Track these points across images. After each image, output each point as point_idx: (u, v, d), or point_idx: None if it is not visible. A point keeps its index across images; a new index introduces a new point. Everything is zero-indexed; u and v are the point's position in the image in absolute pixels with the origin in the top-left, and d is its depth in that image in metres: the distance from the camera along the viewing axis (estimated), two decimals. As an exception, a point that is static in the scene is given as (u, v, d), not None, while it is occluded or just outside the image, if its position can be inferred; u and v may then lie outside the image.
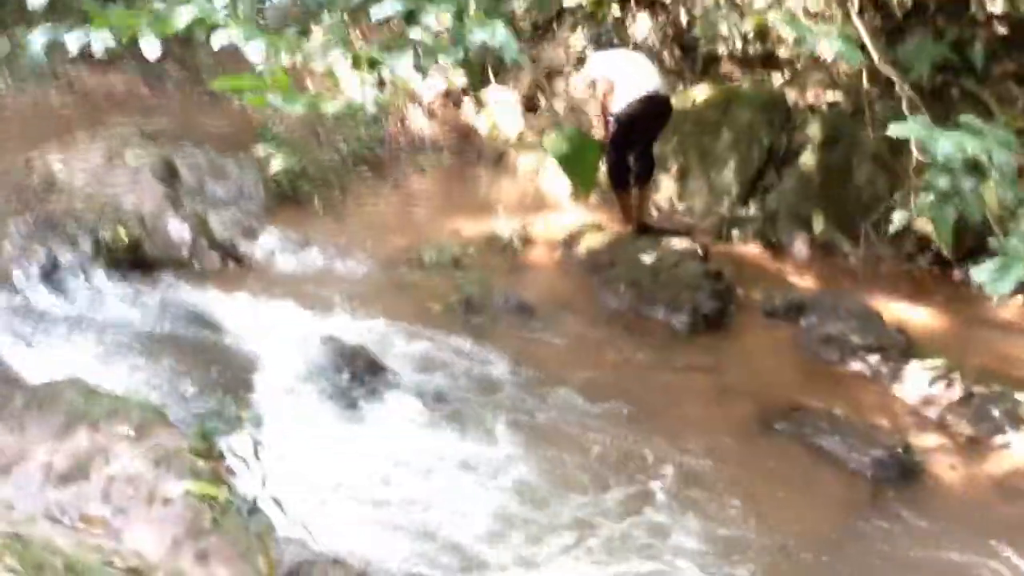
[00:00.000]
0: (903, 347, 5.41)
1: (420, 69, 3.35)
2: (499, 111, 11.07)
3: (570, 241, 7.45)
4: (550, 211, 8.82)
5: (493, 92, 11.25)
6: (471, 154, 10.71)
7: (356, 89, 3.20)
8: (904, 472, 4.33)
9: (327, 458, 4.14)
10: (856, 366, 5.36)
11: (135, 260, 6.34)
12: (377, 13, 3.56)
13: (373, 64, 3.50)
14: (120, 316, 5.48)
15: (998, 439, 4.64)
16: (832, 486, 4.27)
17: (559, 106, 10.74)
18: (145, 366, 4.74)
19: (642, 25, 10.61)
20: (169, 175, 7.99)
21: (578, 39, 11.02)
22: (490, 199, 9.50)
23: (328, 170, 9.33)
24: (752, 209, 8.04)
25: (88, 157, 8.00)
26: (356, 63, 3.48)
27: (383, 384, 5.02)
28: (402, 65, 3.29)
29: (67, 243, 6.21)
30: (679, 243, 6.82)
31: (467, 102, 11.42)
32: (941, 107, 7.62)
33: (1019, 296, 6.57)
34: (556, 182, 9.59)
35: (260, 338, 5.32)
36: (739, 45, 9.25)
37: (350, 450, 4.24)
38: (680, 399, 5.05)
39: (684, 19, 10.20)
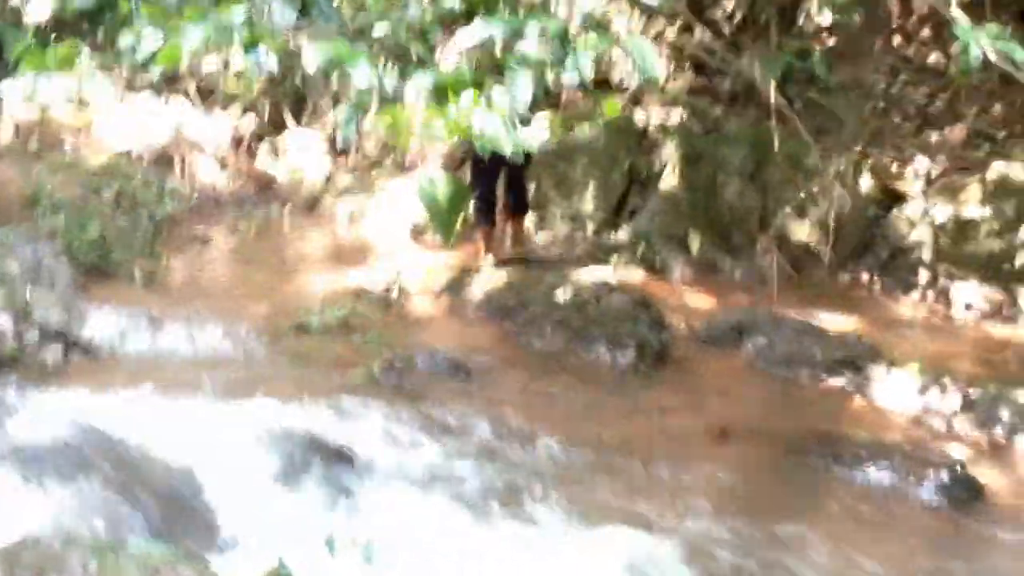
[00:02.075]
0: (869, 357, 5.20)
1: (538, 93, 2.70)
2: (302, 156, 10.26)
3: (455, 287, 6.82)
4: (391, 257, 8.18)
5: (293, 135, 10.41)
6: (277, 205, 9.81)
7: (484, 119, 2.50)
8: (971, 492, 4.05)
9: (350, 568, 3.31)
10: (834, 382, 5.10)
11: (-42, 363, 5.08)
12: (467, 39, 2.91)
13: (479, 86, 2.81)
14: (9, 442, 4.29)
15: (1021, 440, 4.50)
16: (908, 523, 3.90)
17: (371, 146, 10.06)
18: (73, 498, 3.67)
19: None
20: (-49, 258, 6.66)
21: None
22: (320, 251, 8.71)
23: (131, 235, 8.18)
24: (623, 234, 7.74)
25: None
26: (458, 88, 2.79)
27: (358, 473, 4.20)
28: (521, 87, 2.63)
29: None
30: (592, 275, 6.39)
31: (263, 149, 10.51)
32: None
33: (912, 293, 6.65)
34: (384, 226, 8.95)
35: (181, 442, 4.32)
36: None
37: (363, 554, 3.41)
38: (679, 445, 4.57)
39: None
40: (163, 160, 10.34)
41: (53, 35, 11.74)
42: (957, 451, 4.41)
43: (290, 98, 10.72)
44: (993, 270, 6.34)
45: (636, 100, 8.73)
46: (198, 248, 8.38)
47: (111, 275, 7.32)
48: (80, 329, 5.99)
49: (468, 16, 3.02)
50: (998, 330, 5.86)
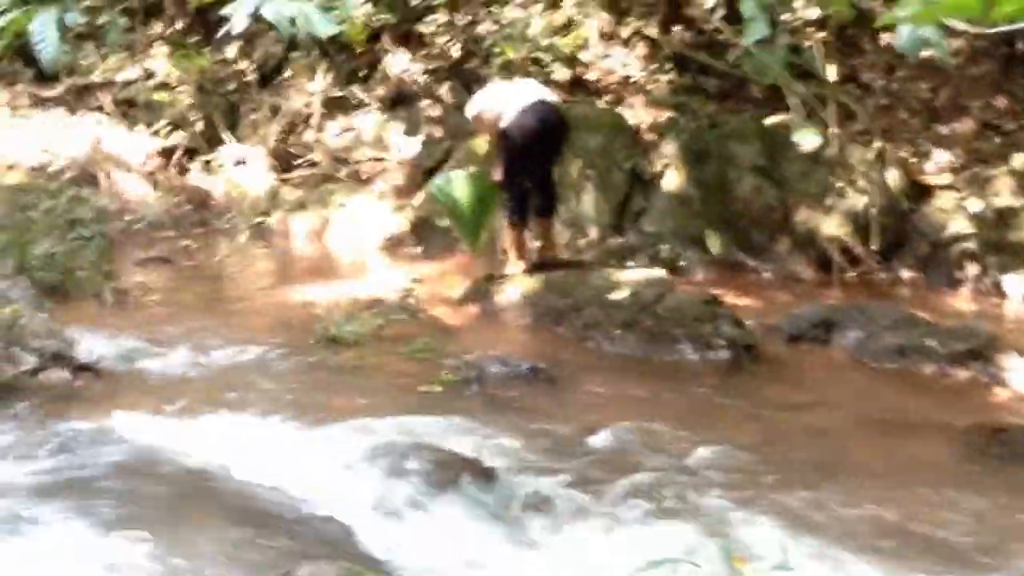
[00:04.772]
0: (993, 346, 4.90)
1: None
2: (241, 171, 9.48)
3: (477, 293, 6.24)
4: (371, 269, 7.61)
5: (229, 150, 9.61)
6: (222, 222, 9.04)
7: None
8: None
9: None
10: (963, 373, 4.77)
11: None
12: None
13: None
14: (30, 469, 3.50)
15: None
16: None
17: (319, 158, 9.38)
18: (180, 544, 2.95)
19: (399, 61, 9.60)
20: None
21: (319, 83, 9.75)
22: (289, 267, 8.02)
23: (80, 255, 7.26)
24: (631, 236, 7.33)
25: None
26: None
27: (506, 488, 3.59)
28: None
29: None
30: (640, 273, 5.93)
31: (195, 164, 9.66)
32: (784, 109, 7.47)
33: (964, 287, 6.47)
34: (349, 239, 8.35)
35: (277, 465, 3.64)
36: (540, 71, 8.56)
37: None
38: (833, 440, 4.14)
39: (457, 52, 9.36)
40: (85, 177, 9.41)
41: (-64, 45, 10.58)
42: None
43: (223, 110, 9.91)
44: (1044, 259, 6.20)
45: (618, 100, 8.38)
46: (156, 267, 7.53)
47: (71, 295, 6.44)
48: (74, 351, 5.14)
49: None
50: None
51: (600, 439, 4.14)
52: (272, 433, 4.07)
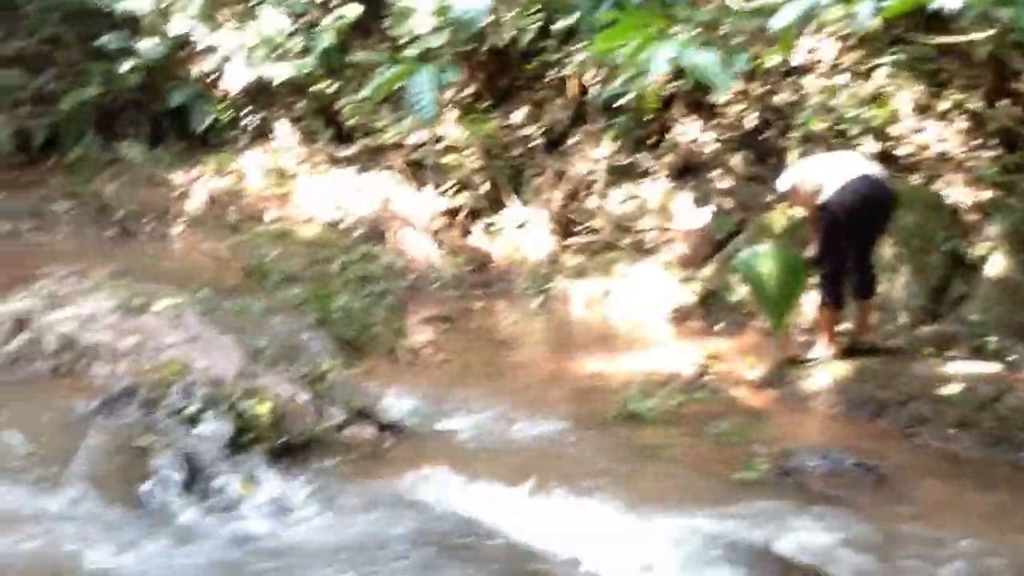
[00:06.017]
0: None
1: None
2: (522, 235, 9.47)
3: (778, 376, 5.81)
4: (658, 342, 7.29)
5: (512, 213, 9.64)
6: (502, 284, 9.04)
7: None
8: None
9: None
10: None
11: (285, 444, 4.26)
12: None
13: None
14: (374, 536, 3.41)
15: None
16: None
17: (601, 225, 9.22)
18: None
19: (690, 129, 9.35)
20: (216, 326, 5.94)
21: (605, 149, 9.62)
22: (571, 334, 7.85)
23: (371, 310, 7.37)
24: (948, 323, 6.67)
25: (93, 310, 5.79)
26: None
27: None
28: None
29: (181, 428, 4.10)
30: (970, 366, 5.33)
31: (477, 226, 9.74)
32: None
33: None
34: (631, 310, 8.08)
35: (591, 550, 3.39)
36: (844, 143, 8.05)
37: None
38: None
39: (754, 120, 9.01)
40: (374, 234, 9.69)
41: (248, 107, 11.26)
42: None
43: (508, 174, 9.96)
44: None
45: (932, 177, 7.76)
46: (442, 326, 7.56)
47: (364, 351, 6.51)
48: (378, 408, 5.13)
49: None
50: None
51: (950, 553, 3.64)
52: (583, 514, 3.85)
